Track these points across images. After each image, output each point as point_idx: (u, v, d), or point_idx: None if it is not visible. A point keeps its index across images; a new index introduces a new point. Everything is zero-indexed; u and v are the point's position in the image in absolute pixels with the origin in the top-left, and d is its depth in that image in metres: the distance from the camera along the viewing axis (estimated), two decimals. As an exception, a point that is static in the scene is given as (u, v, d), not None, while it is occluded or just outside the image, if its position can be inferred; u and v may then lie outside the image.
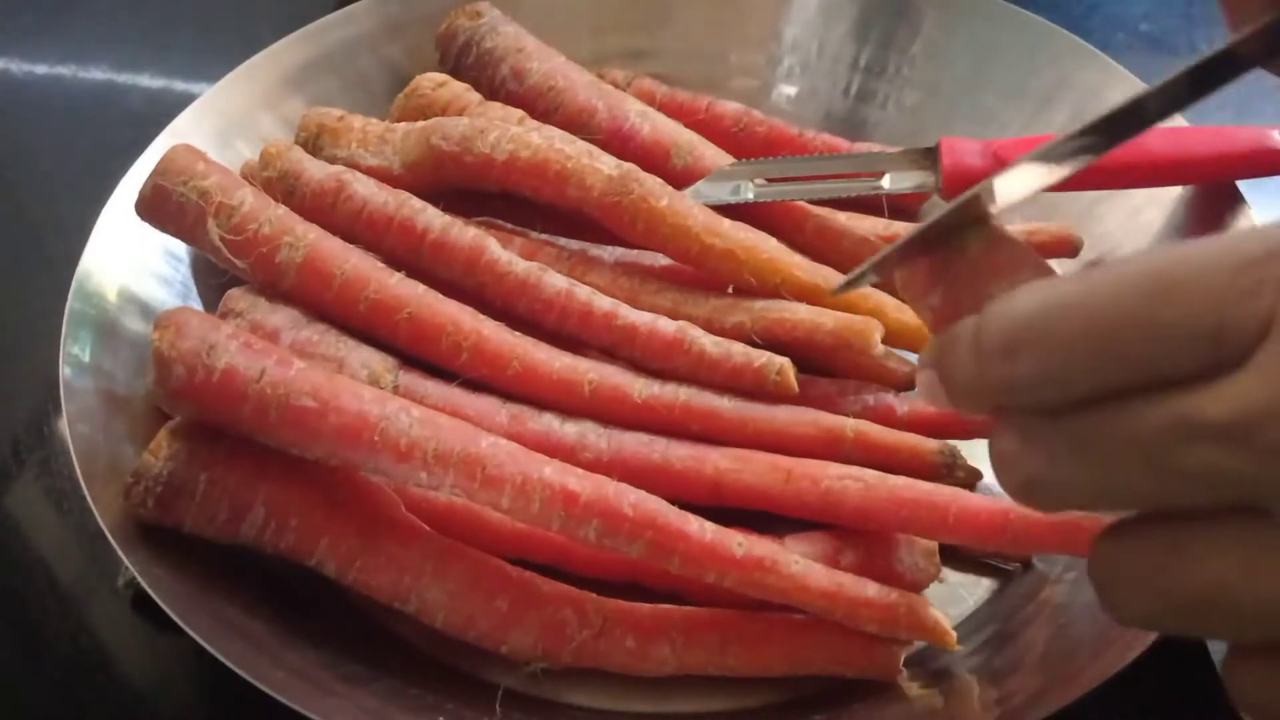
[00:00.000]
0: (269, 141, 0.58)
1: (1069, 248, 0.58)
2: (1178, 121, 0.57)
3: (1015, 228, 0.59)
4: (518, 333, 0.52)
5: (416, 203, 0.54)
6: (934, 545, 0.49)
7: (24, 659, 0.51)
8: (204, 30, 0.81)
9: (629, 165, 0.54)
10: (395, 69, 0.65)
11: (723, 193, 0.57)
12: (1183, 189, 0.58)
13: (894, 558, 0.48)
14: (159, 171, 0.51)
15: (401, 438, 0.44)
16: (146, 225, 0.52)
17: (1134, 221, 0.59)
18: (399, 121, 0.60)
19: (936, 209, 0.62)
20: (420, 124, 0.57)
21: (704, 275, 0.55)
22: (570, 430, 0.50)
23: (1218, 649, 0.46)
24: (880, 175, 0.58)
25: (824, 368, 0.54)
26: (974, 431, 0.52)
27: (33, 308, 0.62)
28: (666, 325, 0.52)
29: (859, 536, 0.49)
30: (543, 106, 0.61)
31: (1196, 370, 0.25)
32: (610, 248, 0.57)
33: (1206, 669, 0.46)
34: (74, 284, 0.53)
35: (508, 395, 0.51)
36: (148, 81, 0.78)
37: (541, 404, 0.51)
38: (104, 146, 0.68)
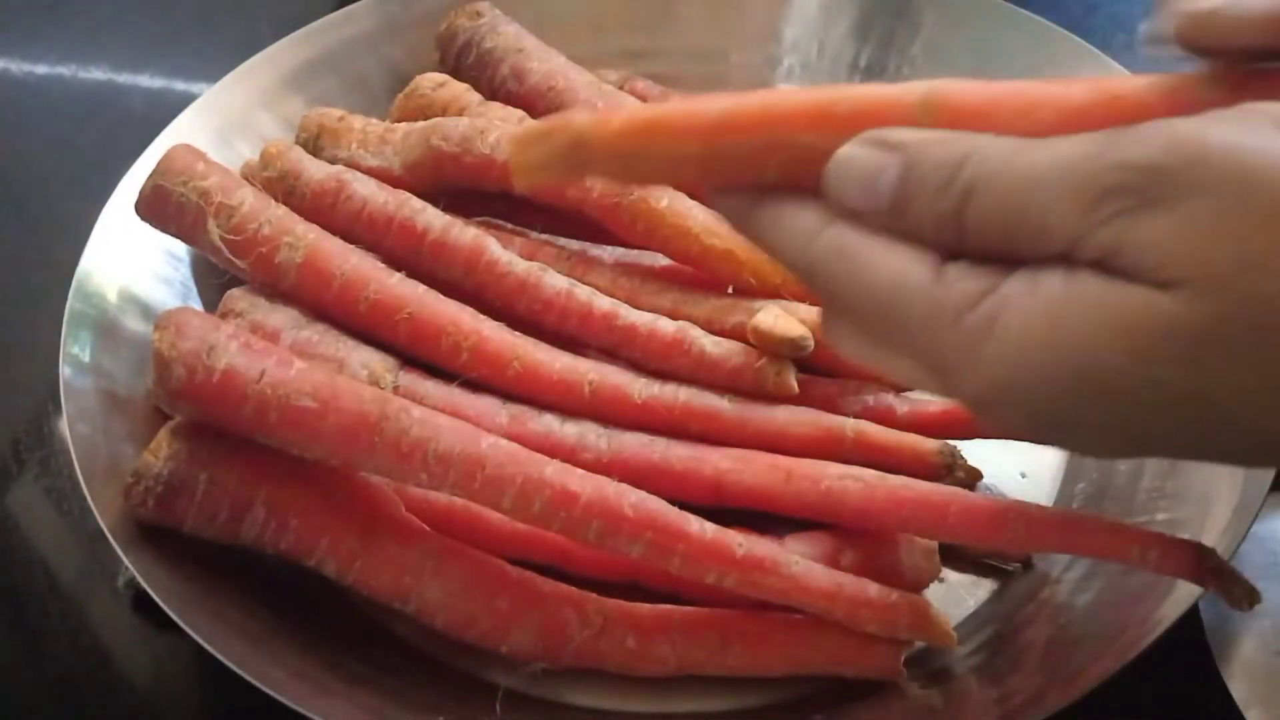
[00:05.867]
0: (269, 141, 0.58)
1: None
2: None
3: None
4: (518, 333, 0.52)
5: (416, 203, 0.54)
6: (934, 545, 0.49)
7: (24, 659, 0.51)
8: (204, 30, 0.81)
9: (629, 165, 0.54)
10: (395, 69, 0.65)
11: (723, 193, 0.57)
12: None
13: (894, 558, 0.48)
14: (159, 172, 0.51)
15: (401, 438, 0.44)
16: (146, 225, 0.52)
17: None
18: (399, 122, 0.60)
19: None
20: (420, 124, 0.57)
21: (704, 275, 0.55)
22: (570, 430, 0.50)
23: (1216, 648, 0.46)
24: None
25: (824, 368, 0.54)
26: (974, 431, 0.52)
27: (33, 308, 0.62)
28: (666, 325, 0.52)
29: (859, 536, 0.49)
30: (543, 106, 0.60)
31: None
32: (610, 248, 0.57)
33: (1207, 669, 0.46)
34: (74, 284, 0.53)
35: (508, 395, 0.51)
36: (148, 81, 0.78)
37: (541, 404, 0.51)
38: (104, 146, 0.68)
